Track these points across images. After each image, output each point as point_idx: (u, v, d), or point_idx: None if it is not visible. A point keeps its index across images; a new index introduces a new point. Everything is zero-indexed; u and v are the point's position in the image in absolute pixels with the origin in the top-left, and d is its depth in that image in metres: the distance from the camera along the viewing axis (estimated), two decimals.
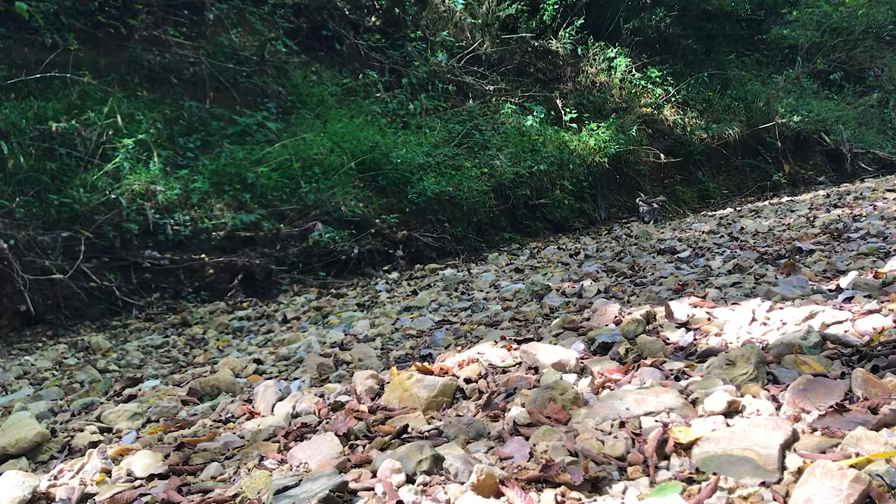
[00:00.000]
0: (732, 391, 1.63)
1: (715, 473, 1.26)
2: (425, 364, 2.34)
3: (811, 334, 1.93)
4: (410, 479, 1.43)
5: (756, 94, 12.64)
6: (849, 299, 2.47)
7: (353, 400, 2.13)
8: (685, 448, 1.38)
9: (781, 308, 2.41)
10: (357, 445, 1.74)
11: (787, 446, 1.30)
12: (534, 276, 5.00)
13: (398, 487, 1.40)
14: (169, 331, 4.96)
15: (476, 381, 2.12)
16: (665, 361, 2.02)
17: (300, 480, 1.42)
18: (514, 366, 2.24)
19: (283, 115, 7.84)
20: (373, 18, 10.00)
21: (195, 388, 2.75)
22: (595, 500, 1.26)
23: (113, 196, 5.75)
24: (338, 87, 8.71)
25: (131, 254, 5.69)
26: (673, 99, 11.56)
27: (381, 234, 6.91)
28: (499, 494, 1.29)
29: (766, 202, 9.75)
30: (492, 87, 10.15)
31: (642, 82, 11.34)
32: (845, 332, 1.99)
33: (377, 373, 2.32)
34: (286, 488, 1.39)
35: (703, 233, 6.28)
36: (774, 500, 1.16)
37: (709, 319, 2.45)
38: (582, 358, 2.23)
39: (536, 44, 11.09)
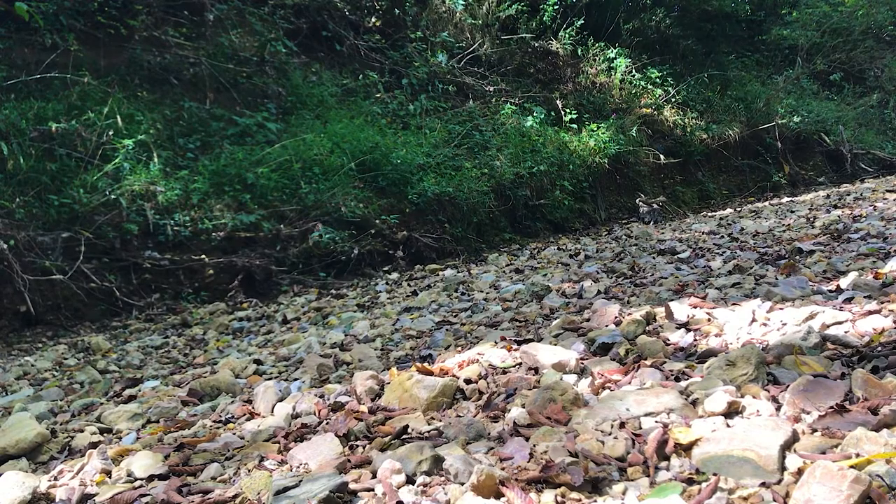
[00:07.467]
0: (732, 392, 1.63)
1: (715, 474, 1.26)
2: (425, 365, 2.34)
3: (811, 335, 1.93)
4: (410, 480, 1.43)
5: (756, 95, 12.64)
6: (849, 300, 2.47)
7: (353, 400, 2.13)
8: (685, 449, 1.38)
9: (781, 309, 2.41)
10: (357, 446, 1.74)
11: (787, 447, 1.30)
12: (534, 276, 5.00)
13: (398, 488, 1.40)
14: (169, 331, 4.96)
15: (476, 382, 2.12)
16: (665, 362, 2.02)
17: (300, 481, 1.42)
18: (514, 366, 2.23)
19: (283, 116, 7.84)
20: (373, 19, 10.00)
21: (195, 388, 2.75)
22: (595, 501, 1.26)
23: (113, 196, 5.75)
24: (338, 87, 8.71)
25: (131, 254, 5.69)
26: (673, 99, 11.55)
27: (381, 235, 6.91)
28: (499, 495, 1.29)
29: (767, 203, 9.75)
30: (492, 88, 10.15)
31: (642, 83, 11.34)
32: (845, 332, 1.99)
33: (377, 373, 2.32)
34: (286, 489, 1.39)
35: (703, 233, 6.28)
36: (774, 500, 1.16)
37: (709, 320, 2.45)
38: (582, 359, 2.22)
39: (536, 44, 11.08)
